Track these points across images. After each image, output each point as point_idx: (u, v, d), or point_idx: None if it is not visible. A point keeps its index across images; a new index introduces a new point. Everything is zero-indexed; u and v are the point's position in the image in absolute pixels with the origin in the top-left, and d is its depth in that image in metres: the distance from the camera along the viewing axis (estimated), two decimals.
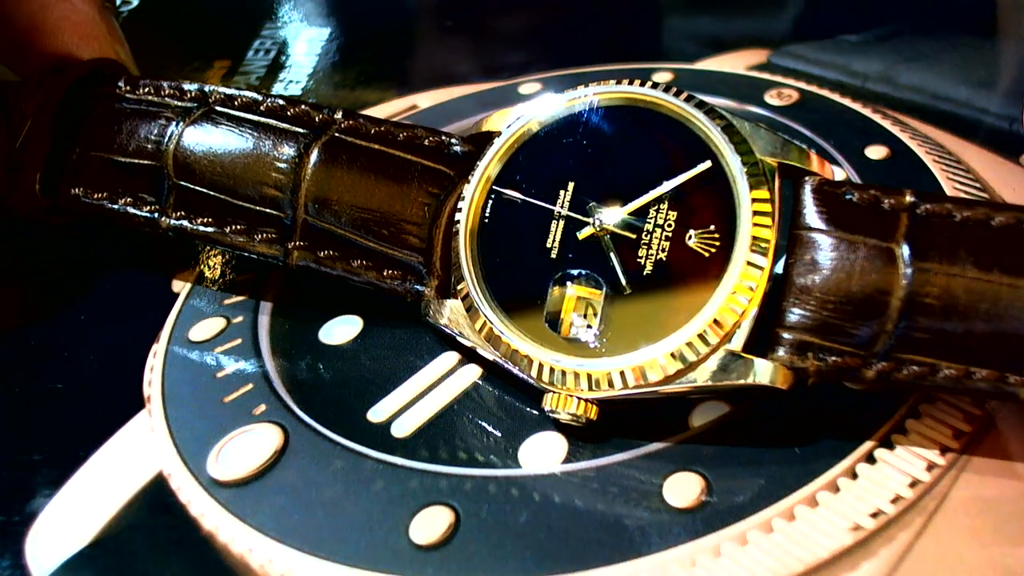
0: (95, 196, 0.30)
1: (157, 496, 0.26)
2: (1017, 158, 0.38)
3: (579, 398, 0.25)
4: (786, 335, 0.25)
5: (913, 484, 0.25)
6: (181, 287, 0.33)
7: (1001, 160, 0.38)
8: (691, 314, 0.25)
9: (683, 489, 0.25)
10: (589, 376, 0.25)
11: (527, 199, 0.27)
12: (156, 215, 0.29)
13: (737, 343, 0.25)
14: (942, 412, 0.27)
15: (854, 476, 0.26)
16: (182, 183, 0.29)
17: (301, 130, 0.29)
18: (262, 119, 0.29)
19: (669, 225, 0.26)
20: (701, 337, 0.25)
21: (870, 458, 0.26)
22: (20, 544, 0.25)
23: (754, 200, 0.25)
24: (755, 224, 0.25)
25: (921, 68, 0.44)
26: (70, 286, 0.33)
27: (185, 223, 0.29)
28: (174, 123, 0.30)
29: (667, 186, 0.26)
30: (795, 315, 0.25)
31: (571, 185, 0.27)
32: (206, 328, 0.31)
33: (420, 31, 0.51)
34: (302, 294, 0.32)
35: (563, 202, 0.27)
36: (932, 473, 0.26)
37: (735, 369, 0.25)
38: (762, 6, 0.52)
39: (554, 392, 0.26)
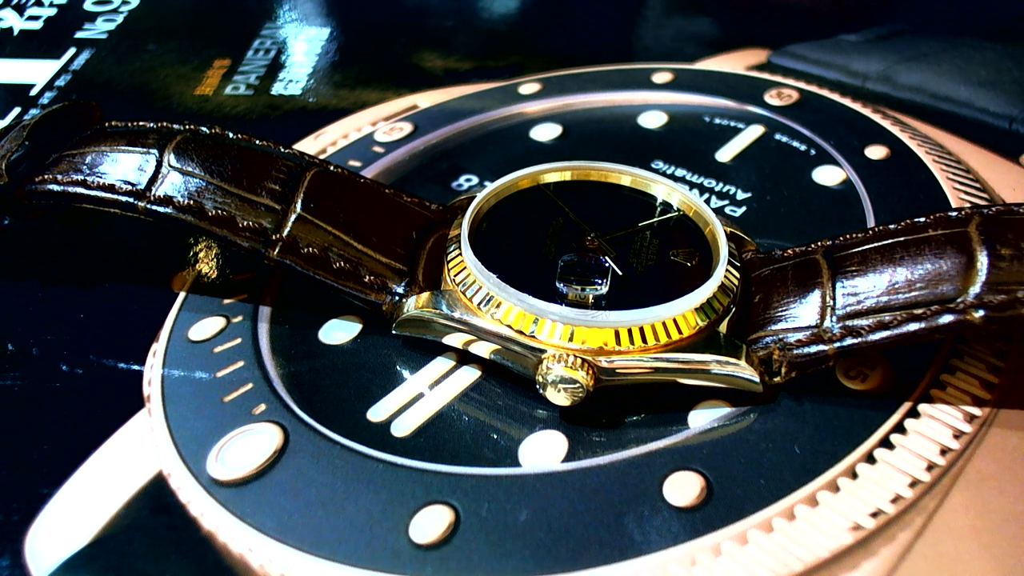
0: (65, 181, 0.30)
1: (157, 496, 0.26)
2: (1017, 158, 0.38)
3: (579, 357, 0.26)
4: (751, 337, 0.28)
5: (913, 484, 0.25)
6: (181, 287, 0.33)
7: (1001, 160, 0.38)
8: (690, 292, 0.27)
9: (683, 488, 0.25)
10: (594, 332, 0.26)
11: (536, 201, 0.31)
12: (133, 199, 0.29)
13: (723, 327, 0.27)
14: (942, 412, 0.27)
15: (854, 476, 0.26)
16: (175, 167, 0.29)
17: (299, 155, 0.31)
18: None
19: (654, 246, 0.29)
20: (701, 310, 0.27)
21: (870, 458, 0.26)
22: (20, 543, 0.25)
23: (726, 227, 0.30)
24: (729, 241, 0.29)
25: (921, 68, 0.44)
26: (70, 286, 0.33)
27: (165, 209, 0.29)
28: (175, 127, 0.31)
29: (648, 222, 0.30)
30: (755, 322, 0.28)
31: (561, 220, 0.30)
32: (206, 327, 0.31)
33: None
34: (302, 294, 0.32)
35: (558, 224, 0.30)
36: (932, 473, 0.26)
37: (720, 346, 0.26)
38: (762, 6, 0.52)
39: (554, 349, 0.26)
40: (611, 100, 0.43)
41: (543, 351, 0.26)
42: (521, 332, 0.26)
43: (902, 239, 0.27)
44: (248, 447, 0.27)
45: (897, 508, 0.25)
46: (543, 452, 0.27)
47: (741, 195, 0.36)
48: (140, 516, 0.25)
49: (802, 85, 0.43)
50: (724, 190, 0.37)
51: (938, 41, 0.47)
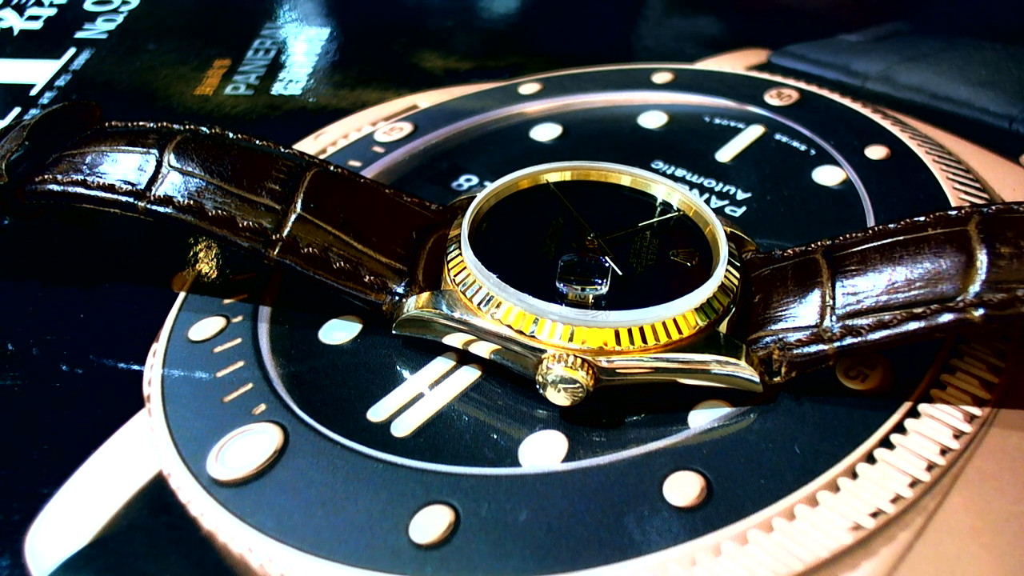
0: (65, 181, 0.30)
1: (157, 496, 0.26)
2: (1017, 158, 0.38)
3: (579, 357, 0.26)
4: (751, 337, 0.28)
5: (913, 484, 0.25)
6: (181, 287, 0.33)
7: (1001, 160, 0.38)
8: (690, 292, 0.27)
9: (683, 488, 0.25)
10: (594, 332, 0.26)
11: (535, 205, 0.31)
12: (133, 199, 0.29)
13: (723, 327, 0.27)
14: (942, 412, 0.27)
15: (854, 476, 0.26)
16: (176, 167, 0.29)
17: (299, 155, 0.31)
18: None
19: (654, 246, 0.29)
20: (701, 310, 0.27)
21: (870, 458, 0.26)
22: (20, 543, 0.25)
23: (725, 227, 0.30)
24: (729, 241, 0.29)
25: (921, 68, 0.44)
26: (70, 286, 0.33)
27: (165, 209, 0.29)
28: (175, 127, 0.31)
29: (648, 222, 0.30)
30: (755, 322, 0.28)
31: (561, 220, 0.30)
32: (206, 327, 0.31)
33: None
34: (302, 294, 0.32)
35: (558, 223, 0.30)
36: (932, 473, 0.26)
37: (720, 346, 0.26)
38: (762, 6, 0.52)
39: (554, 349, 0.26)
40: (611, 100, 0.43)
41: (543, 351, 0.26)
42: (521, 332, 0.26)
43: (902, 238, 0.27)
44: (248, 447, 0.27)
45: (897, 508, 0.25)
46: (543, 452, 0.27)
47: (741, 195, 0.36)
48: (140, 516, 0.25)
49: (802, 85, 0.43)
50: (724, 190, 0.37)
51: (938, 41, 0.47)
